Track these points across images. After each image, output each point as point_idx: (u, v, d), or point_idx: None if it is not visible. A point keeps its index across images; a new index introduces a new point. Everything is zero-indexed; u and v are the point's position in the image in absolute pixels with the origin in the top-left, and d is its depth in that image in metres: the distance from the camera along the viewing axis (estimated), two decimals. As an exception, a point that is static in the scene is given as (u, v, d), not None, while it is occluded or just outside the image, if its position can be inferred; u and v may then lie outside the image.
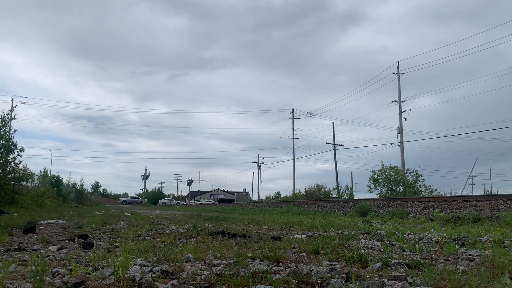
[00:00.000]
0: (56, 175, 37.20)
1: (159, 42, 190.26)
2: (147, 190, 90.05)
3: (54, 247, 4.38)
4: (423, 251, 3.80)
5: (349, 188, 39.68)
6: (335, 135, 45.14)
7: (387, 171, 29.85)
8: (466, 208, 10.42)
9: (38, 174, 36.21)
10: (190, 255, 3.36)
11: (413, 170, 29.75)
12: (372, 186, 30.43)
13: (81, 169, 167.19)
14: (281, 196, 51.20)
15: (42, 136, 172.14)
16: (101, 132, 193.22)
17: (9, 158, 20.47)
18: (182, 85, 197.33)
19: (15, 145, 20.96)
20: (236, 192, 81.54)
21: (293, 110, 52.88)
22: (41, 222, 9.14)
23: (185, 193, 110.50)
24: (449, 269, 2.64)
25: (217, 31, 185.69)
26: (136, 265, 2.90)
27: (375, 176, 30.33)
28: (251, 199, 69.28)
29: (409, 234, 5.63)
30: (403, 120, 34.68)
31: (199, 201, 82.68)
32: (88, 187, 55.24)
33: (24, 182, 24.30)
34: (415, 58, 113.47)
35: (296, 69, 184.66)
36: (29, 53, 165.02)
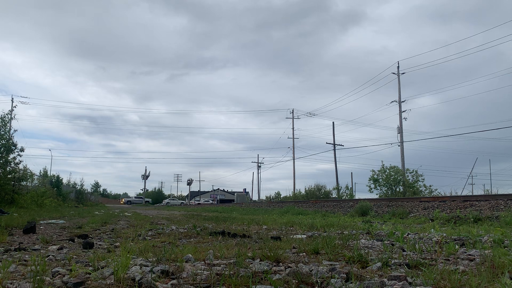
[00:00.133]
0: (56, 175, 37.23)
1: (159, 42, 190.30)
2: (147, 190, 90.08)
3: (54, 247, 4.38)
4: (423, 251, 3.80)
5: (349, 188, 39.73)
6: (335, 135, 45.20)
7: (387, 171, 29.87)
8: (466, 208, 10.42)
9: (38, 174, 36.25)
10: (190, 255, 3.36)
11: (413, 170, 29.81)
12: (372, 186, 30.47)
13: (81, 169, 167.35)
14: (281, 196, 51.23)
15: (42, 136, 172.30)
16: (101, 132, 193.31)
17: (9, 158, 20.48)
18: (182, 85, 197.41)
19: (15, 145, 20.97)
20: (236, 192, 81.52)
21: (293, 110, 52.95)
22: (41, 222, 9.15)
23: (185, 193, 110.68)
24: (449, 269, 2.64)
25: (217, 31, 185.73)
26: (136, 265, 2.90)
27: (375, 176, 30.34)
28: (251, 199, 69.29)
29: (409, 234, 5.63)
30: (403, 120, 34.72)
31: (198, 201, 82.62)
32: (88, 187, 55.27)
33: (24, 182, 24.30)
34: (415, 58, 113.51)
35: (296, 69, 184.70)
36: (29, 53, 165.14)
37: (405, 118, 34.67)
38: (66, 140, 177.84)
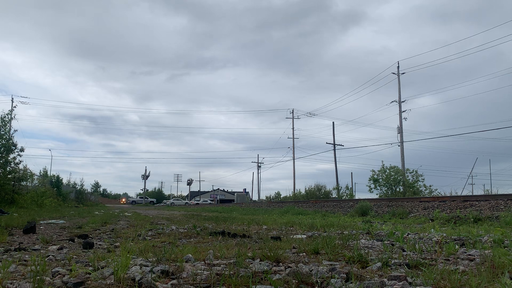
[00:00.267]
0: (56, 175, 37.27)
1: (159, 42, 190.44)
2: (147, 190, 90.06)
3: (54, 247, 4.38)
4: (423, 251, 3.80)
5: (349, 188, 39.72)
6: (335, 135, 45.19)
7: (387, 171, 29.86)
8: (466, 208, 10.41)
9: (38, 174, 36.29)
10: (190, 255, 3.36)
11: (413, 170, 29.80)
12: (372, 186, 30.47)
13: (81, 169, 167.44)
14: (281, 196, 51.24)
15: (42, 136, 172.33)
16: (101, 132, 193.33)
17: (9, 158, 20.48)
18: (182, 85, 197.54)
19: (15, 145, 20.97)
20: (236, 192, 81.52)
21: (293, 110, 52.93)
22: (41, 222, 9.14)
23: (185, 193, 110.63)
24: (449, 269, 2.64)
25: (217, 31, 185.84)
26: (136, 265, 2.90)
27: (375, 176, 30.34)
28: (251, 199, 69.28)
29: (409, 234, 5.63)
30: (403, 120, 34.71)
31: (198, 201, 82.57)
32: (88, 187, 55.36)
33: (24, 182, 24.31)
34: (415, 58, 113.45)
35: (296, 69, 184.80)
36: (29, 53, 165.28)
37: (405, 118, 34.69)
38: (66, 140, 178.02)
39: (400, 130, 34.69)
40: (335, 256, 3.46)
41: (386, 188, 29.80)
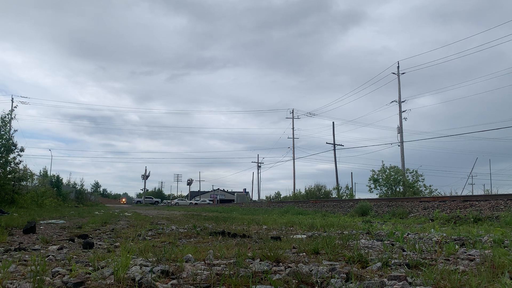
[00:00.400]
0: (56, 175, 37.31)
1: (159, 42, 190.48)
2: (147, 190, 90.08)
3: (54, 247, 4.38)
4: (423, 251, 3.80)
5: (349, 188, 39.74)
6: (335, 135, 45.20)
7: (387, 171, 29.86)
8: (466, 208, 10.41)
9: (38, 174, 36.33)
10: (190, 255, 3.36)
11: (413, 170, 29.81)
12: (372, 186, 30.47)
13: (81, 169, 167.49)
14: (281, 196, 51.24)
15: (42, 136, 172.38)
16: (101, 132, 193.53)
17: (9, 158, 20.48)
18: (182, 85, 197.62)
19: (15, 145, 20.97)
20: (236, 192, 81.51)
21: (293, 110, 52.93)
22: (41, 222, 9.14)
23: (185, 193, 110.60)
24: (449, 269, 2.64)
25: (217, 31, 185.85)
26: (136, 265, 2.90)
27: (375, 176, 30.34)
28: (251, 199, 69.27)
29: (409, 234, 5.63)
30: (403, 120, 34.71)
31: (197, 201, 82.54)
32: (88, 187, 55.42)
33: (24, 182, 24.32)
34: (415, 58, 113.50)
35: (296, 69, 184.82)
36: (29, 53, 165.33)
37: (405, 118, 34.69)
38: (66, 140, 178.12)
39: (400, 130, 34.69)
40: (335, 256, 3.46)
41: (386, 188, 29.81)
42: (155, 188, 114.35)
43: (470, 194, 30.10)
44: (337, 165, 43.69)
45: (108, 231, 6.84)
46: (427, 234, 5.56)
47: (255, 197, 71.83)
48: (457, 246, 3.99)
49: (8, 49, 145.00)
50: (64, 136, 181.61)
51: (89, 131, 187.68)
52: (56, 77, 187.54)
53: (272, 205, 26.80)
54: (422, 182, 29.12)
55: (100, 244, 4.77)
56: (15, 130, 23.41)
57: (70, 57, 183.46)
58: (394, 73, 35.55)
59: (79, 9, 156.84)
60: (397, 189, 29.13)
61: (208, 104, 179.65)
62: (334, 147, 44.56)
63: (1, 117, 20.75)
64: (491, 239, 4.47)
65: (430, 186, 28.55)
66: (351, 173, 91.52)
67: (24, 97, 70.96)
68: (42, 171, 41.16)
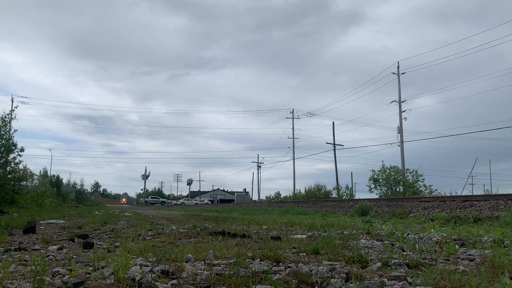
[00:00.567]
0: (56, 175, 37.35)
1: (159, 42, 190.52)
2: (147, 190, 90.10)
3: (54, 247, 4.38)
4: (423, 251, 3.80)
5: (349, 188, 39.74)
6: (335, 135, 45.20)
7: (387, 171, 29.87)
8: (466, 208, 10.41)
9: (38, 174, 36.33)
10: (190, 255, 3.36)
11: (413, 170, 29.81)
12: (372, 186, 30.47)
13: (81, 169, 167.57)
14: (281, 196, 51.23)
15: (42, 136, 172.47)
16: (101, 132, 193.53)
17: (9, 158, 20.49)
18: (182, 85, 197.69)
19: (15, 145, 20.98)
20: (236, 192, 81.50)
21: (293, 110, 52.93)
22: (41, 222, 9.14)
23: (185, 193, 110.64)
24: (449, 269, 2.64)
25: (217, 31, 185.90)
26: (136, 265, 2.90)
27: (375, 176, 30.35)
28: (251, 199, 69.26)
29: (409, 234, 5.63)
30: (403, 120, 34.72)
31: (198, 201, 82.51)
32: (88, 187, 55.46)
33: (24, 182, 24.33)
34: (415, 58, 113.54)
35: (296, 69, 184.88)
36: (29, 53, 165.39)
37: (405, 118, 34.71)
38: (66, 140, 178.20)
39: (400, 130, 34.69)
40: (335, 256, 3.46)
41: (386, 188, 29.81)
42: (155, 188, 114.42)
43: (470, 194, 30.10)
44: (337, 165, 43.74)
45: (108, 231, 6.84)
46: (427, 234, 5.56)
47: (255, 197, 71.88)
48: (457, 246, 3.99)
49: (8, 49, 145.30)
50: (64, 136, 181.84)
51: (89, 131, 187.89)
52: (56, 77, 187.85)
53: (272, 205, 26.80)
54: (422, 182, 29.17)
55: (100, 244, 4.77)
56: (15, 130, 23.44)
57: (70, 57, 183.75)
58: (394, 73, 35.56)
59: (79, 9, 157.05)
60: (397, 189, 29.13)
61: (208, 104, 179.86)
62: (334, 147, 44.59)
63: (1, 117, 20.77)
64: (491, 239, 4.47)
65: (430, 186, 28.60)
66: (351, 173, 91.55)
67: (24, 97, 71.02)
68: (42, 171, 41.22)
